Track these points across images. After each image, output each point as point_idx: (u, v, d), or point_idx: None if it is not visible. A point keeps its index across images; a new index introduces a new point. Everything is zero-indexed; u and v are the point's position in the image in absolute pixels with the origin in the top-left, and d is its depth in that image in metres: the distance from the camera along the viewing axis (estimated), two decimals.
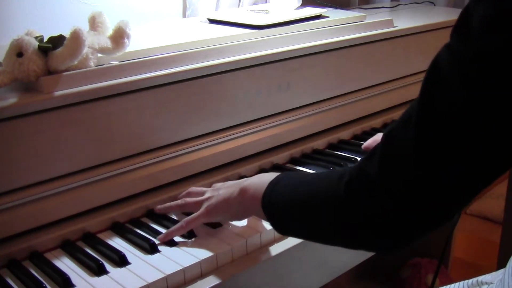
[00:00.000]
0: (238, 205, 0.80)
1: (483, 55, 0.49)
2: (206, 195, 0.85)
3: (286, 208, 0.72)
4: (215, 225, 0.87)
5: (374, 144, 1.15)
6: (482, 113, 0.51)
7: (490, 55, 0.48)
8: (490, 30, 0.48)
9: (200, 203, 0.85)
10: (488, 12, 0.48)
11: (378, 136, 1.15)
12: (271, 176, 0.77)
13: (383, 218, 0.60)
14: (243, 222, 0.88)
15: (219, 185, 0.89)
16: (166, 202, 0.94)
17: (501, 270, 0.79)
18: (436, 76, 0.54)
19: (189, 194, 0.91)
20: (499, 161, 0.54)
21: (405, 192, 0.57)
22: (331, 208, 0.65)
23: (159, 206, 0.91)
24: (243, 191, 0.79)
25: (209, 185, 0.99)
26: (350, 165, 1.08)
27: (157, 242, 0.82)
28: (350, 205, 0.62)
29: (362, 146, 1.15)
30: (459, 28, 0.52)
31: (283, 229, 0.75)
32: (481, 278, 0.85)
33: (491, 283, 0.81)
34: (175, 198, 0.95)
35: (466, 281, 0.86)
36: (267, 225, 0.86)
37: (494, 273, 0.84)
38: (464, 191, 0.57)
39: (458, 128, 0.53)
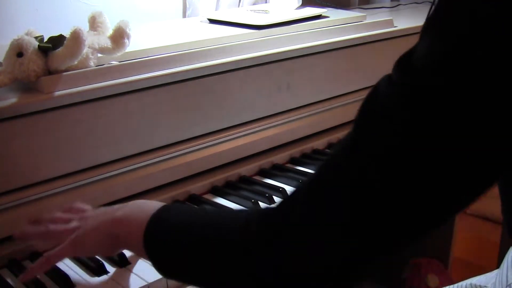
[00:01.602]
0: (111, 238, 0.67)
1: (425, 91, 0.45)
2: (72, 224, 0.71)
3: (175, 246, 0.60)
4: None
5: None
6: (422, 149, 0.45)
7: (433, 92, 0.44)
8: (434, 69, 0.44)
9: (65, 233, 0.70)
10: (441, 47, 0.44)
11: None
12: (151, 205, 0.65)
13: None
14: None
15: (89, 213, 0.74)
16: (166, 202, 0.94)
17: (495, 271, 0.79)
18: (374, 105, 0.50)
19: (53, 221, 0.74)
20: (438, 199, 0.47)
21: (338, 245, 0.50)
22: (236, 252, 0.55)
23: (17, 232, 0.75)
24: (117, 222, 0.66)
25: (210, 185, 0.99)
26: None
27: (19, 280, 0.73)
28: (265, 250, 0.52)
29: None
30: (404, 60, 0.48)
31: (168, 273, 0.63)
32: (475, 280, 0.84)
33: (485, 286, 0.81)
34: (175, 198, 0.95)
35: (460, 283, 0.85)
36: None
37: (488, 274, 0.84)
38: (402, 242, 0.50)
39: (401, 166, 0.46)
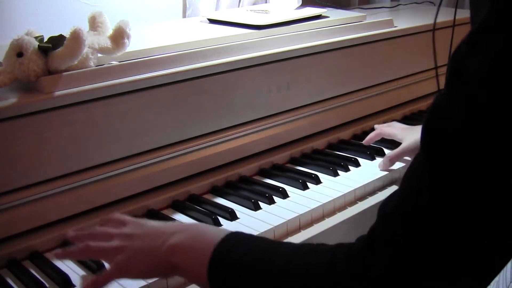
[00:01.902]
0: (165, 265, 0.63)
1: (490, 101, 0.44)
2: (114, 243, 0.66)
3: (247, 280, 0.57)
4: (215, 225, 0.87)
5: (376, 138, 1.15)
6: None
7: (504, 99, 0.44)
8: (489, 79, 0.44)
9: (107, 252, 0.66)
10: (486, 62, 0.44)
11: (380, 130, 1.15)
12: (211, 231, 0.63)
13: None
14: (244, 222, 0.87)
15: (129, 229, 0.68)
16: (166, 203, 0.94)
17: None
18: (442, 130, 0.47)
19: (93, 237, 0.69)
20: None
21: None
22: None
23: (57, 251, 0.71)
24: (176, 250, 0.62)
25: (210, 185, 0.99)
26: (350, 164, 1.08)
27: None
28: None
29: (364, 141, 1.15)
30: (459, 72, 0.47)
31: None
32: None
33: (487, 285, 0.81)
34: (175, 198, 0.95)
35: None
36: (267, 226, 0.86)
37: None
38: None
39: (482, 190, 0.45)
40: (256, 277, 0.56)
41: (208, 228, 0.66)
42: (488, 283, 0.51)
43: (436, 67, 1.12)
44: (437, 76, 1.13)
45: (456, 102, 0.46)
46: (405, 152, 1.06)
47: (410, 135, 1.07)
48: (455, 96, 0.47)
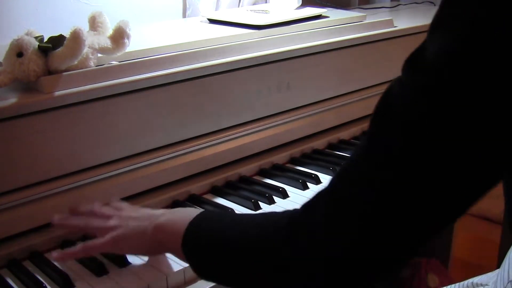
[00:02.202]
0: (152, 243, 0.72)
1: (439, 87, 0.46)
2: (113, 223, 0.75)
3: (211, 250, 0.64)
4: None
5: None
6: (440, 149, 0.47)
7: (447, 87, 0.45)
8: (447, 64, 0.45)
9: (104, 230, 0.75)
10: (446, 46, 0.45)
11: None
12: (190, 212, 0.70)
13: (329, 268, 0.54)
14: None
15: (125, 212, 0.77)
16: (166, 203, 0.94)
17: (496, 271, 0.79)
18: (387, 107, 0.51)
19: (93, 214, 0.79)
20: (457, 195, 0.49)
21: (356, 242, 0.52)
22: (270, 250, 0.58)
23: (56, 218, 0.79)
24: (158, 228, 0.71)
25: (210, 185, 0.99)
26: None
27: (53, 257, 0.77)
28: (293, 248, 0.55)
29: None
30: (413, 60, 0.50)
31: (205, 274, 0.67)
32: (476, 279, 0.84)
33: (486, 284, 0.81)
34: (175, 198, 0.95)
35: (462, 282, 0.85)
36: None
37: (489, 274, 0.84)
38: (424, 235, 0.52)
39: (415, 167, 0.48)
40: (220, 248, 0.63)
41: (190, 210, 0.73)
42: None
43: None
44: None
45: (404, 84, 0.49)
46: None
47: None
48: (404, 78, 0.50)
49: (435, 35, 0.47)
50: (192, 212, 0.70)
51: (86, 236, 0.85)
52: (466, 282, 0.85)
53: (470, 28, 0.43)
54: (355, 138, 1.23)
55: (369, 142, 0.52)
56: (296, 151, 1.13)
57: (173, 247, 0.69)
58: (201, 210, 0.71)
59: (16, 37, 0.82)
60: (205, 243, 0.65)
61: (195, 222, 0.67)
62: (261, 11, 1.27)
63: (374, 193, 0.50)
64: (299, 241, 0.55)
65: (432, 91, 0.46)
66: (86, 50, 0.83)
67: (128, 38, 0.88)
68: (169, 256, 0.79)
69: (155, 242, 0.72)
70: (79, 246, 0.75)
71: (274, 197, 0.95)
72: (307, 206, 0.57)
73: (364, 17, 1.32)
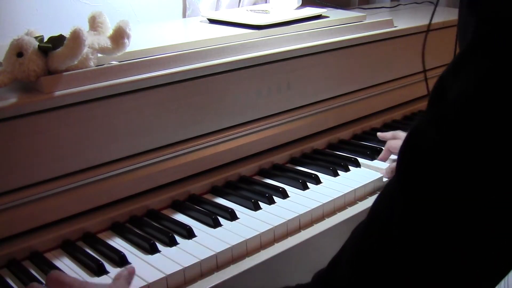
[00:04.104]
0: None
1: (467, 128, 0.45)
2: None
3: None
4: (215, 225, 0.87)
5: (389, 155, 1.11)
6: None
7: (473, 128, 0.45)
8: (469, 105, 0.45)
9: None
10: (467, 88, 0.45)
11: (388, 145, 1.11)
12: None
13: None
14: (244, 222, 0.88)
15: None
16: (166, 203, 0.94)
17: None
18: (417, 150, 0.49)
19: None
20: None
21: None
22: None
23: None
24: None
25: (210, 186, 0.99)
26: (350, 164, 1.08)
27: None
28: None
29: (378, 134, 1.15)
30: (437, 96, 0.49)
31: None
32: None
33: None
34: (175, 198, 0.95)
35: None
36: (267, 226, 0.86)
37: None
38: None
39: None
40: None
41: None
42: None
43: (424, 71, 1.12)
44: (425, 79, 1.13)
45: (433, 123, 0.47)
46: None
47: None
48: (433, 117, 0.48)
49: (467, 67, 0.46)
50: None
51: (86, 236, 0.85)
52: None
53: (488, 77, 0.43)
54: (355, 138, 1.23)
55: (403, 187, 0.50)
56: (296, 151, 1.13)
57: None
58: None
59: (16, 37, 0.82)
60: None
61: None
62: (261, 11, 1.27)
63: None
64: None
65: (461, 132, 0.45)
66: (86, 50, 0.83)
67: (128, 38, 0.88)
68: (169, 256, 0.79)
69: None
70: None
71: (274, 197, 0.95)
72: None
73: (364, 17, 1.32)
